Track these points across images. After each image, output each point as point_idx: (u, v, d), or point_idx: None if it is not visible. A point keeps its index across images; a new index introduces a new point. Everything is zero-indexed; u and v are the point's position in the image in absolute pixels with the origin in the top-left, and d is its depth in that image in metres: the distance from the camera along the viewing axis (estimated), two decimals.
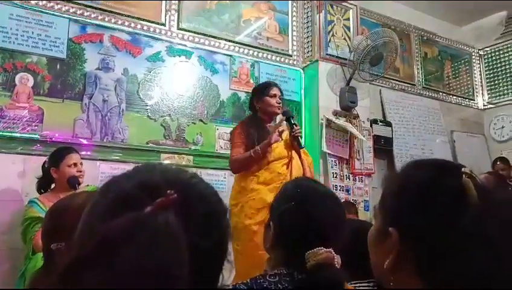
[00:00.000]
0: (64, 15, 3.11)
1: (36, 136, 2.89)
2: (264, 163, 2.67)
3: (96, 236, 0.45)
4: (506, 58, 5.55)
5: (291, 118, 2.79)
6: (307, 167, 2.78)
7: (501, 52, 5.61)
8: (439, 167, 0.71)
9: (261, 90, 2.88)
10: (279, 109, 2.81)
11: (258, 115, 2.86)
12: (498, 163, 4.63)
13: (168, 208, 0.47)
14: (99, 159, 3.08)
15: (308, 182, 1.39)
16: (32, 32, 2.98)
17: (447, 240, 0.62)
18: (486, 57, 5.76)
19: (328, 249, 1.08)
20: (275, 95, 2.80)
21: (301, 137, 2.78)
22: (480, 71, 5.78)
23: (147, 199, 0.49)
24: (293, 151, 2.76)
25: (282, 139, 2.73)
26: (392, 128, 4.56)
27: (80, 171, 2.55)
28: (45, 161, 2.59)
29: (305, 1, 4.26)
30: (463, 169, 0.67)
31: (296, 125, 2.77)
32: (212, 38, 3.73)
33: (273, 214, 1.25)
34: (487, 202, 0.62)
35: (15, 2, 2.95)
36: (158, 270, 0.44)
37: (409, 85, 5.02)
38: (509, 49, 5.53)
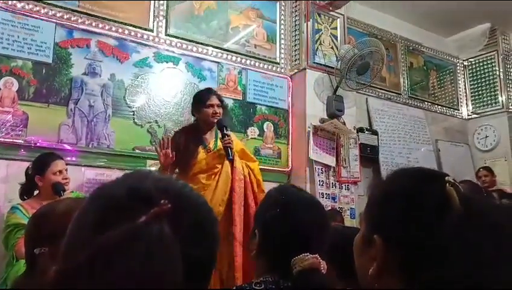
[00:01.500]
0: (50, 19, 3.09)
1: (20, 141, 2.85)
2: (189, 175, 2.74)
3: (91, 247, 0.45)
4: (490, 69, 5.65)
5: (224, 128, 2.81)
6: (237, 177, 2.73)
7: (484, 63, 5.71)
8: (424, 175, 0.72)
9: (199, 99, 2.90)
10: (215, 118, 2.82)
11: (197, 123, 2.91)
12: (481, 170, 4.70)
13: (162, 217, 0.47)
14: (85, 165, 3.04)
15: (292, 189, 1.40)
16: (18, 36, 2.95)
17: (430, 247, 0.63)
18: (470, 67, 5.86)
19: (314, 255, 1.08)
20: (211, 106, 2.82)
21: (231, 148, 2.76)
22: (464, 81, 5.87)
23: (140, 208, 0.48)
24: (225, 161, 2.77)
25: (171, 159, 2.68)
26: (378, 137, 4.61)
27: (66, 179, 2.51)
28: (28, 167, 2.54)
29: (293, 10, 4.29)
30: (446, 178, 0.67)
31: (227, 136, 2.78)
32: (200, 45, 3.74)
33: (258, 222, 1.26)
34: (470, 209, 0.63)
35: (0, 5, 2.92)
36: (153, 282, 0.44)
37: (395, 94, 5.08)
38: (492, 60, 5.63)
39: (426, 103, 5.40)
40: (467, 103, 5.82)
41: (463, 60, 5.90)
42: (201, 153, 2.81)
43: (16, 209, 2.38)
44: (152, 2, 3.55)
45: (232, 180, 2.72)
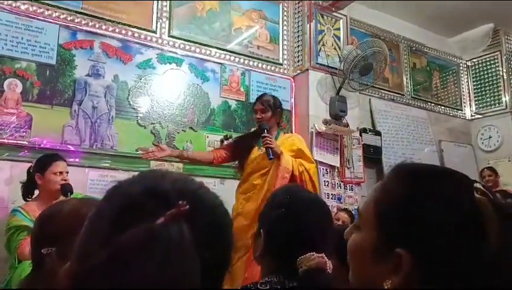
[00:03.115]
0: (54, 21, 3.10)
1: (24, 142, 2.86)
2: (244, 175, 2.89)
3: (108, 247, 0.44)
4: (493, 70, 5.64)
5: (264, 130, 2.84)
6: (280, 175, 2.74)
7: (488, 63, 5.70)
8: (451, 181, 0.67)
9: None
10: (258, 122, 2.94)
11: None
12: (485, 171, 4.69)
13: (180, 219, 0.47)
14: (88, 166, 3.05)
15: (297, 189, 1.41)
16: (22, 38, 2.96)
17: (462, 263, 0.60)
18: (473, 68, 5.85)
19: (319, 254, 1.08)
20: (255, 111, 2.94)
21: (271, 148, 2.75)
22: (467, 82, 5.86)
23: (157, 208, 0.48)
24: (276, 161, 2.79)
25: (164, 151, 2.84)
26: (381, 138, 4.60)
27: (65, 180, 2.51)
28: (31, 166, 2.54)
29: (296, 11, 4.29)
30: (475, 185, 0.64)
31: (263, 137, 2.79)
32: (203, 46, 3.74)
33: (263, 222, 1.26)
34: (504, 221, 0.60)
35: (4, 7, 2.93)
36: (172, 283, 0.44)
37: (398, 95, 5.08)
38: (495, 61, 5.62)
39: (429, 103, 5.39)
40: (470, 104, 5.80)
41: (466, 61, 5.89)
42: (254, 153, 2.90)
43: (17, 212, 2.39)
44: (155, 3, 3.56)
45: (276, 178, 2.73)
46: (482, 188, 0.63)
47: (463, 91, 5.82)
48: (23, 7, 3.01)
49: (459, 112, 5.71)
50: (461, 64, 5.88)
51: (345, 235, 0.75)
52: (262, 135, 2.81)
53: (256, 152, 2.90)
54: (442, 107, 5.54)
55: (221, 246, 0.56)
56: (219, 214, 0.57)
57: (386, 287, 0.63)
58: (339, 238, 1.24)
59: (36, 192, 2.55)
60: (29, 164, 2.62)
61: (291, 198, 1.24)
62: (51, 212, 1.05)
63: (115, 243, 0.44)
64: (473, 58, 5.83)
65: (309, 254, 1.07)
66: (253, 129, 3.21)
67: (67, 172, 2.56)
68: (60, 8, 3.13)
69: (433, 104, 5.43)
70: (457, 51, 5.80)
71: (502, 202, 0.62)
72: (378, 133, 4.60)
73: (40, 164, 2.50)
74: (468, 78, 5.87)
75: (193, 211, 0.49)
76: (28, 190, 2.53)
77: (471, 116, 5.77)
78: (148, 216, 0.47)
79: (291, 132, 4.04)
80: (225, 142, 3.30)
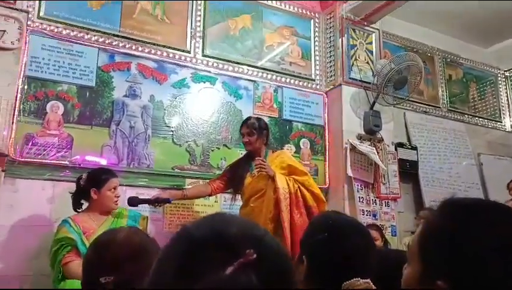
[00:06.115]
0: (93, 44, 3.21)
1: (66, 162, 2.96)
2: (244, 200, 3.00)
3: None
4: None
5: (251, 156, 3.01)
6: (281, 196, 2.78)
7: None
8: (495, 215, 0.67)
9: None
10: (247, 146, 3.04)
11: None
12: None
13: (248, 268, 0.47)
14: (126, 185, 3.10)
15: (337, 214, 1.41)
16: (63, 62, 3.08)
17: None
18: None
19: (366, 280, 1.07)
20: (242, 135, 3.02)
21: (263, 167, 2.84)
22: (506, 92, 5.69)
23: (225, 256, 0.49)
24: (270, 182, 2.86)
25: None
26: (417, 152, 4.51)
27: (118, 197, 2.59)
28: (81, 177, 2.57)
29: (328, 26, 4.29)
30: None
31: (259, 161, 2.87)
32: (236, 64, 3.79)
33: (305, 247, 1.25)
34: None
35: (47, 33, 3.06)
36: None
37: (433, 108, 4.97)
38: None
39: (466, 115, 5.25)
40: (510, 114, 5.62)
41: (504, 71, 5.72)
42: (248, 179, 3.00)
43: (66, 223, 2.43)
44: (189, 23, 3.63)
45: (277, 200, 2.78)
46: None
47: (502, 102, 5.64)
48: (64, 32, 3.13)
49: (498, 123, 5.54)
50: (499, 75, 5.71)
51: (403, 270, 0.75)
52: (256, 158, 2.91)
53: (250, 178, 3.00)
54: (480, 119, 5.39)
55: None
56: (283, 261, 0.57)
57: None
58: (380, 260, 1.23)
59: (84, 204, 2.59)
60: (71, 183, 2.69)
61: (333, 222, 1.25)
62: (104, 240, 1.08)
63: None
64: (511, 68, 5.66)
65: (354, 279, 1.07)
66: (243, 154, 3.26)
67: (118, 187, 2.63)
68: (98, 31, 3.25)
69: (470, 116, 5.29)
70: (494, 61, 5.65)
71: None
72: (414, 148, 4.51)
73: (97, 180, 2.54)
74: (507, 88, 5.70)
75: (260, 259, 0.49)
76: (78, 201, 2.58)
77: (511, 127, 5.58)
78: (216, 264, 0.47)
79: (325, 148, 4.02)
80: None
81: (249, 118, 3.13)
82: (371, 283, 1.07)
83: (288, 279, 0.57)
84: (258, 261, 0.49)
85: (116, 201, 2.58)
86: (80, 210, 2.57)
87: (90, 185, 2.52)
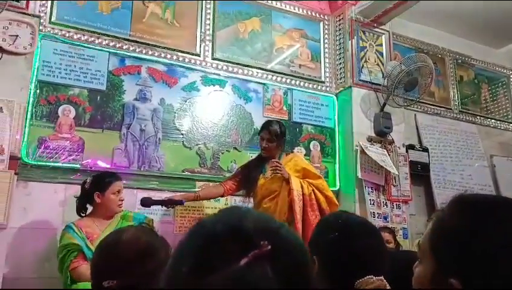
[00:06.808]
0: (104, 48, 3.24)
1: (77, 165, 2.98)
2: (256, 202, 3.01)
3: (197, 287, 0.45)
4: None
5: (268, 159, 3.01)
6: (296, 198, 2.80)
7: None
8: (505, 215, 0.66)
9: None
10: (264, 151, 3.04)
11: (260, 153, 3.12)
12: None
13: (263, 259, 0.47)
14: (137, 188, 3.13)
15: (347, 214, 1.41)
16: (75, 66, 3.11)
17: None
18: None
19: (379, 277, 1.07)
20: (262, 139, 3.02)
21: (279, 169, 2.86)
22: None
23: (240, 249, 0.49)
24: (284, 184, 2.88)
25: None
26: (428, 154, 4.47)
27: (122, 200, 2.60)
28: (85, 181, 2.59)
29: (337, 28, 4.28)
30: None
31: (275, 163, 2.89)
32: (245, 67, 3.79)
33: (315, 247, 1.25)
34: None
35: (59, 37, 3.10)
36: None
37: (444, 109, 4.93)
38: None
39: (478, 117, 5.19)
40: None
41: None
42: (261, 180, 3.00)
43: (69, 229, 2.45)
44: (199, 27, 3.65)
45: (292, 201, 2.80)
46: None
47: None
48: (75, 36, 3.16)
49: (511, 125, 5.47)
50: (511, 76, 5.64)
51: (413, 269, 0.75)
52: (272, 160, 2.92)
53: (263, 179, 3.01)
54: (493, 121, 5.32)
55: (303, 284, 0.55)
56: (300, 253, 0.57)
57: None
58: (390, 261, 1.22)
59: (89, 208, 2.61)
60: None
61: (344, 221, 1.24)
62: (110, 242, 1.06)
63: (200, 284, 0.45)
64: None
65: (368, 277, 1.06)
66: (255, 156, 3.28)
67: (122, 191, 2.65)
68: (109, 36, 3.28)
69: (482, 118, 5.23)
70: (506, 61, 5.58)
71: None
72: (425, 150, 4.47)
73: (100, 183, 2.56)
74: None
75: (275, 251, 0.49)
76: (82, 205, 2.60)
77: None
78: (232, 256, 0.47)
79: (336, 150, 4.01)
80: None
81: (271, 124, 3.08)
82: (384, 280, 1.06)
83: (306, 272, 0.56)
84: (273, 253, 0.49)
85: (120, 204, 2.58)
86: (84, 215, 2.58)
87: (94, 189, 2.54)
